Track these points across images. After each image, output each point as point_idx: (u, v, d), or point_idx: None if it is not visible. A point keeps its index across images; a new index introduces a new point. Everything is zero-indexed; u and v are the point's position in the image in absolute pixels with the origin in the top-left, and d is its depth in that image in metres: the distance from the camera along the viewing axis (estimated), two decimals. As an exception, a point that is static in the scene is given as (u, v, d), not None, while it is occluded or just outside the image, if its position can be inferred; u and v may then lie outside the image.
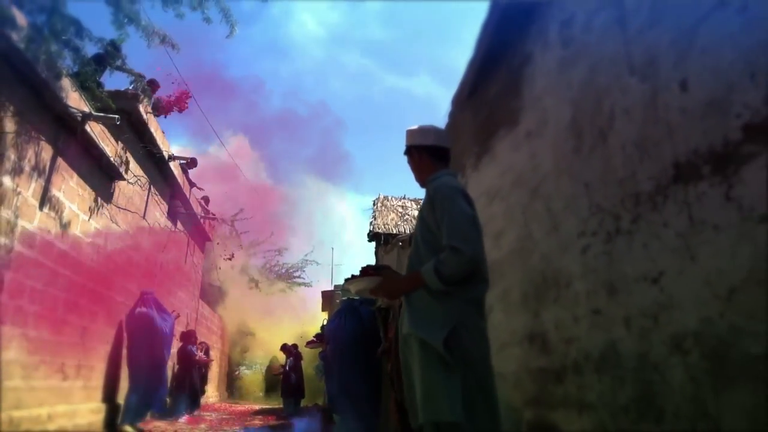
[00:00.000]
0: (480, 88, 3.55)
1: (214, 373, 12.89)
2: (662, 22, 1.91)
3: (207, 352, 8.39)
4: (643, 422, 1.79)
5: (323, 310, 14.85)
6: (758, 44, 1.51)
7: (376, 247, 8.12)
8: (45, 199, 4.43)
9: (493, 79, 3.35)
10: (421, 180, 2.12)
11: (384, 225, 8.54)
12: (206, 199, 10.44)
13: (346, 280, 2.13)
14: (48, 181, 4.47)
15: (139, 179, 6.64)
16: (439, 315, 1.82)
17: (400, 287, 1.98)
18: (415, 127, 2.18)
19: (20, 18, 3.76)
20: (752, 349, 1.44)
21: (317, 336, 8.08)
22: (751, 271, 1.46)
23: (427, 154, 2.09)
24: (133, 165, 6.45)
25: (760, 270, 1.44)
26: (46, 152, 4.45)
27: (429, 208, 1.95)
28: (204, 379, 9.36)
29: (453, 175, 2.07)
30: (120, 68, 5.83)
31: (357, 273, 2.12)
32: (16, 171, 4.01)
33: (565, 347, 2.30)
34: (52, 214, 4.56)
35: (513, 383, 2.72)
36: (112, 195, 5.96)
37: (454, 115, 4.12)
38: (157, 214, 7.81)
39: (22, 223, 4.07)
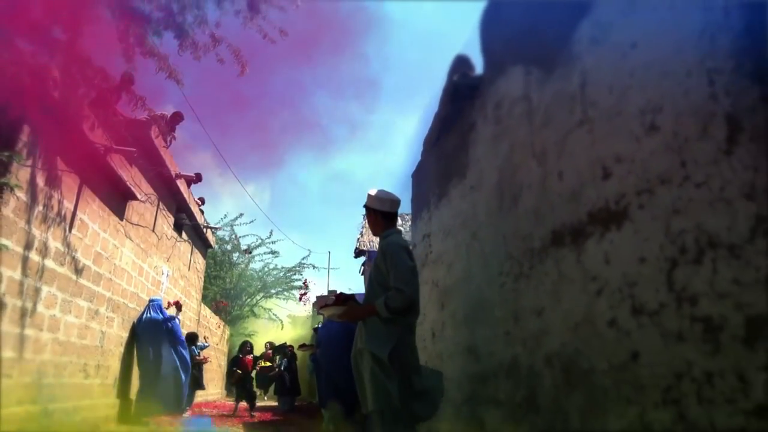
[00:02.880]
0: (442, 138, 4.26)
1: (215, 372, 13.61)
2: (550, 125, 2.62)
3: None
4: (528, 415, 2.51)
5: (319, 313, 15.56)
6: (598, 157, 2.22)
7: (363, 263, 8.77)
8: (74, 222, 5.14)
9: (451, 134, 4.05)
10: (375, 233, 2.84)
11: (369, 242, 9.21)
12: (202, 200, 11.17)
13: (321, 308, 2.84)
14: (75, 207, 5.18)
15: (149, 197, 7.35)
16: (385, 335, 2.54)
17: (359, 314, 2.70)
18: (374, 192, 2.88)
19: (55, 71, 4.47)
20: (584, 366, 2.15)
21: (315, 329, 8.81)
22: (586, 313, 2.18)
23: (381, 216, 2.80)
24: (144, 185, 7.16)
25: (590, 313, 2.15)
26: (74, 182, 5.16)
27: (382, 258, 2.67)
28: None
29: (400, 233, 2.79)
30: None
31: (331, 298, 2.85)
32: (48, 201, 4.71)
33: (488, 358, 3.01)
34: (79, 234, 5.26)
35: (456, 385, 3.43)
36: (126, 213, 6.67)
37: (424, 155, 4.84)
38: (165, 226, 8.52)
39: (55, 245, 4.77)
